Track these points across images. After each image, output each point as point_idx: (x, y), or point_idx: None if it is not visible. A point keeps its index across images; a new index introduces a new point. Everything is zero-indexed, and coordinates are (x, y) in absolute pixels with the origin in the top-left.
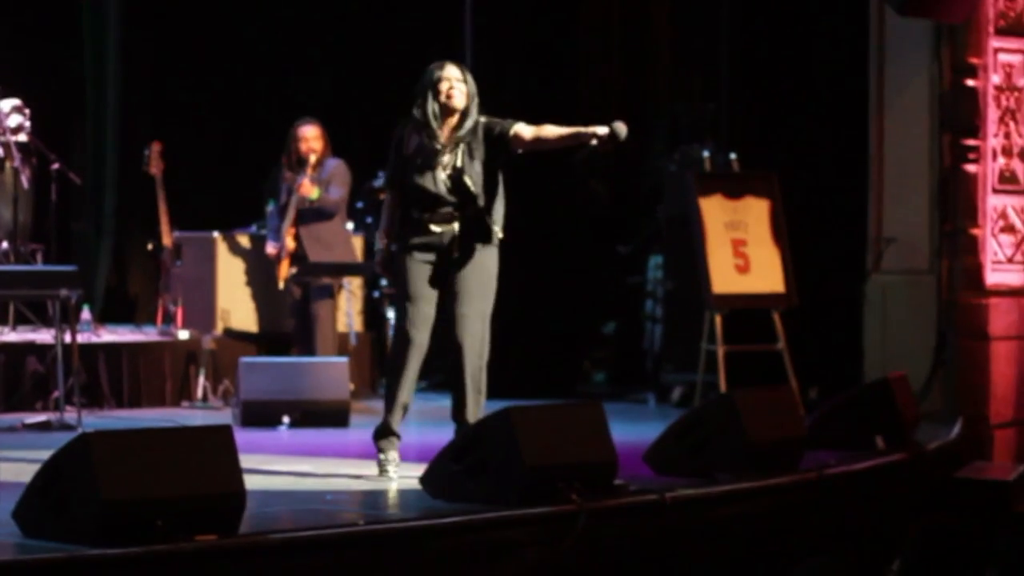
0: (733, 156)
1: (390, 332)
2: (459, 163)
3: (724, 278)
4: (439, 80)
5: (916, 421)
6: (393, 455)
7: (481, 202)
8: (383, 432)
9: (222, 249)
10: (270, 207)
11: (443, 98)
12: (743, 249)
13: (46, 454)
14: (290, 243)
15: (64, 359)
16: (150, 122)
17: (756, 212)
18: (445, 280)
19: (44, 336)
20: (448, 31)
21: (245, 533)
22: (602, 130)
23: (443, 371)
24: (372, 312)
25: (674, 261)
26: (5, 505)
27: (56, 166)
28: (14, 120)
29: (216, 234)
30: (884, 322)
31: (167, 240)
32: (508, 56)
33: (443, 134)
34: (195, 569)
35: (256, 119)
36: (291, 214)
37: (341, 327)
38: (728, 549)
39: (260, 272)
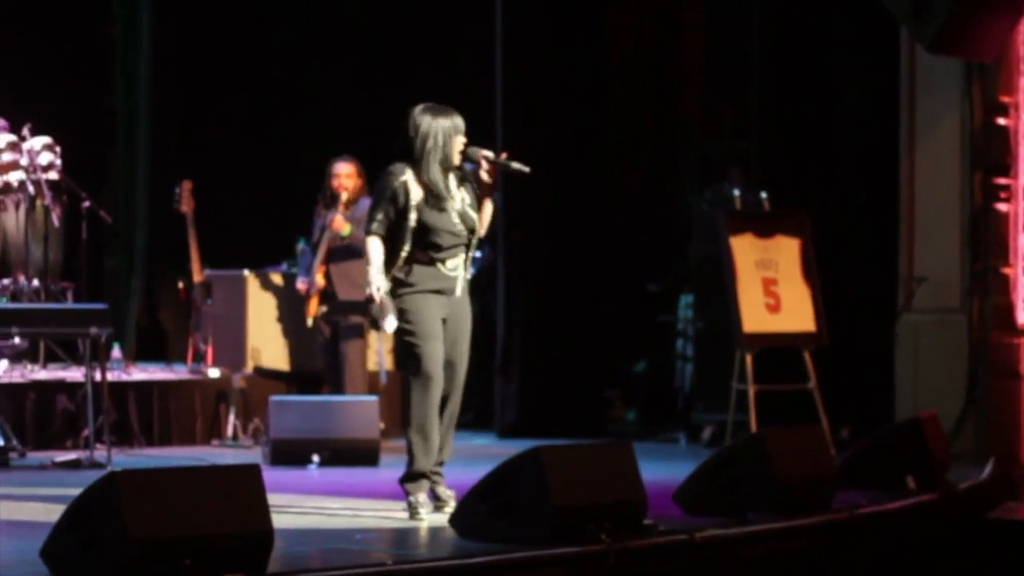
0: (764, 195)
1: None
2: (465, 207)
3: (755, 317)
4: (459, 131)
5: (947, 461)
6: (424, 497)
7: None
8: (418, 476)
9: (253, 287)
10: (300, 245)
11: (454, 152)
12: (774, 288)
13: (76, 492)
14: (320, 280)
15: (94, 397)
16: (181, 160)
17: (787, 251)
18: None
19: (74, 374)
20: (478, 69)
21: (273, 573)
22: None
23: (472, 410)
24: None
25: (705, 300)
26: (33, 543)
27: (87, 204)
28: (45, 158)
29: (247, 272)
30: (915, 361)
31: (198, 278)
32: (537, 92)
33: (447, 180)
34: None
35: (288, 158)
36: (322, 251)
37: (371, 365)
38: None
39: (291, 310)
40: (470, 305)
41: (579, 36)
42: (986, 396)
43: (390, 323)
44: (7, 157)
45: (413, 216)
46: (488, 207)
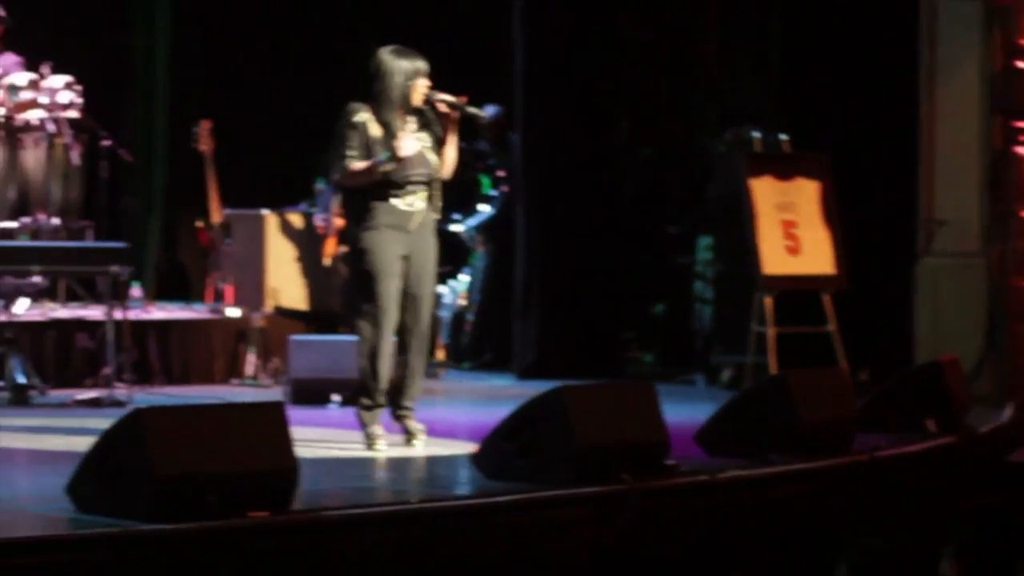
0: (783, 137)
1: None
2: (423, 149)
3: (774, 259)
4: (420, 73)
5: (967, 404)
6: (380, 428)
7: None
8: (371, 407)
9: (272, 227)
10: (319, 184)
11: (415, 94)
12: (793, 230)
13: (97, 430)
14: (338, 221)
15: (114, 336)
16: (200, 99)
17: (807, 193)
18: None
19: (94, 313)
20: (494, 16)
21: (297, 510)
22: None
23: (491, 351)
24: None
25: (724, 242)
26: (57, 481)
27: (106, 142)
28: (65, 96)
29: (266, 212)
30: (935, 305)
31: (216, 218)
32: (556, 37)
33: (405, 119)
34: (248, 545)
35: (307, 97)
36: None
37: None
38: (779, 530)
39: (310, 250)
40: (435, 242)
41: None
42: (1005, 340)
43: (406, 146)
44: (27, 95)
45: (370, 154)
46: (450, 150)
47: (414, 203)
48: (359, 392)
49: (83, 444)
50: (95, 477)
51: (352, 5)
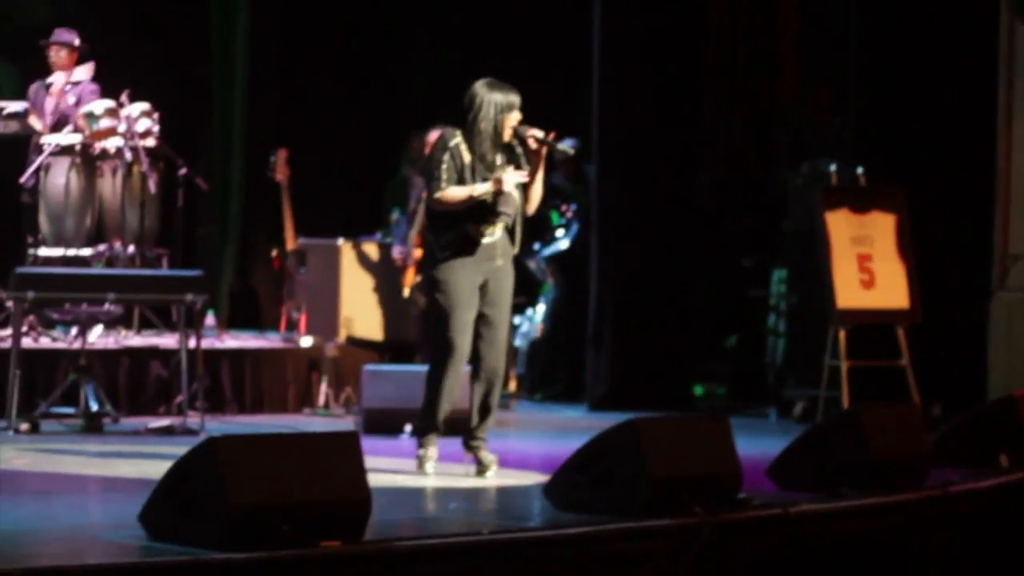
0: (860, 170)
1: (513, 341)
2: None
3: (849, 293)
4: (513, 107)
5: None
6: (434, 452)
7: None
8: (427, 430)
9: (347, 256)
10: (394, 215)
11: (506, 127)
12: (868, 264)
13: (170, 458)
14: (417, 252)
15: (188, 364)
16: (277, 128)
17: (882, 227)
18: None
19: (168, 341)
20: (573, 35)
21: (370, 540)
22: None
23: (562, 382)
24: None
25: (798, 275)
26: (129, 508)
27: (183, 171)
28: (143, 125)
29: (341, 241)
30: (1009, 339)
31: (291, 246)
32: (633, 68)
33: (496, 152)
34: (320, 575)
35: (383, 128)
36: (419, 221)
37: None
38: (852, 565)
39: (384, 280)
40: (512, 272)
41: (676, 7)
42: None
43: (510, 180)
44: (105, 123)
45: (460, 179)
46: (537, 187)
47: (494, 235)
48: (420, 415)
49: (155, 471)
50: (168, 505)
51: (429, 36)
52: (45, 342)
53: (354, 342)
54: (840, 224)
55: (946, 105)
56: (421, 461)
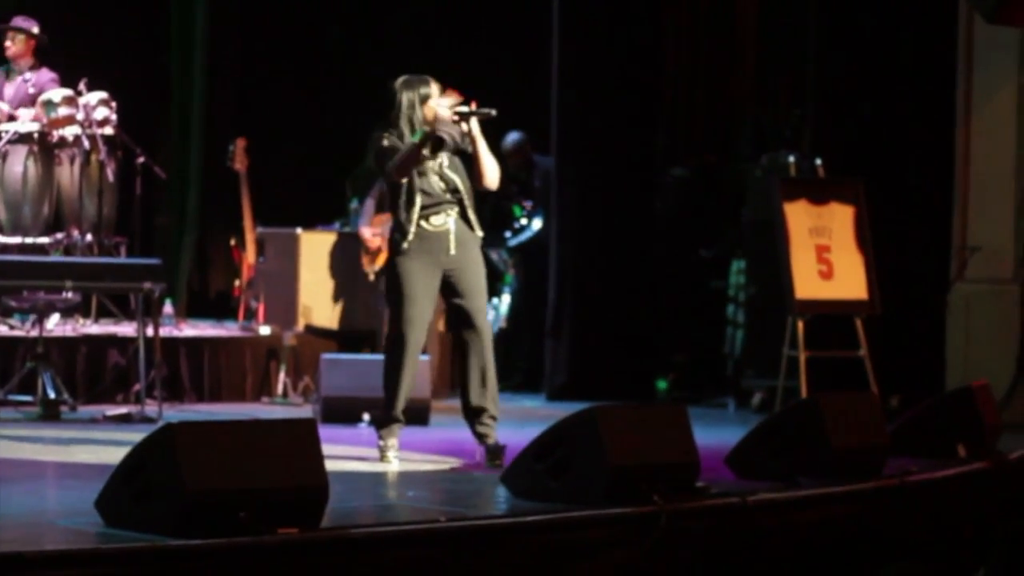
0: (818, 162)
1: None
2: (443, 169)
3: (807, 284)
4: (427, 97)
5: (998, 430)
6: (395, 442)
7: (467, 198)
8: (389, 420)
9: (305, 245)
10: (354, 204)
11: (426, 115)
12: (827, 255)
13: (127, 445)
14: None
15: (146, 352)
16: (235, 117)
17: (840, 218)
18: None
19: (126, 329)
20: (532, 27)
21: (327, 527)
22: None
23: (522, 371)
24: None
25: (756, 266)
26: (86, 495)
27: (141, 160)
28: (100, 113)
29: (299, 230)
30: (967, 331)
31: (250, 235)
32: (592, 63)
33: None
34: (277, 562)
35: (342, 116)
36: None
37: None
38: (809, 554)
39: (342, 269)
40: (479, 257)
41: (634, 3)
42: None
43: (437, 105)
44: (63, 111)
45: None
46: (484, 158)
47: (445, 222)
48: (381, 407)
49: (112, 459)
50: (124, 491)
51: (387, 27)
52: (2, 330)
53: (312, 331)
54: (799, 215)
55: (904, 97)
56: (383, 451)
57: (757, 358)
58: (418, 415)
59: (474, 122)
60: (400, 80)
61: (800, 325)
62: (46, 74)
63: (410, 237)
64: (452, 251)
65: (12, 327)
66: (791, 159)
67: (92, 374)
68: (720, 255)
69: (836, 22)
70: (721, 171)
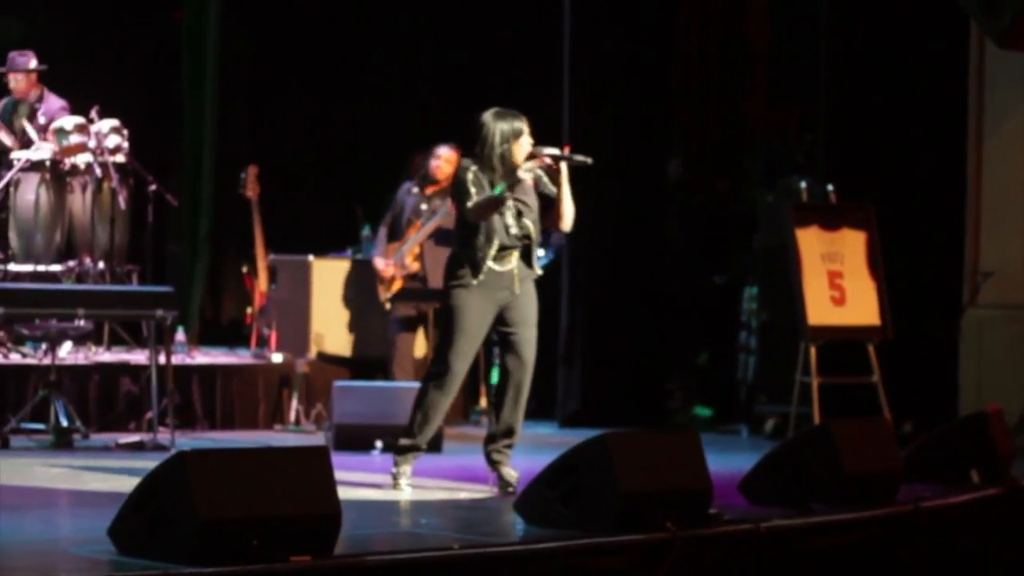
0: (830, 188)
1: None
2: (523, 217)
3: (819, 310)
4: (520, 134)
5: (1012, 456)
6: (408, 469)
7: (534, 243)
8: (409, 448)
9: (317, 273)
10: (366, 231)
11: (516, 154)
12: (839, 281)
13: (140, 473)
14: (412, 263)
15: (158, 380)
16: (247, 145)
17: (852, 244)
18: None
19: (138, 357)
20: (544, 63)
21: (340, 555)
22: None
23: (535, 398)
24: None
25: (769, 292)
26: (99, 523)
27: (153, 187)
28: (112, 141)
29: (311, 257)
30: (980, 356)
31: (262, 263)
32: (604, 88)
33: (509, 179)
34: None
35: (353, 144)
36: (426, 231)
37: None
38: None
39: (355, 296)
40: (534, 293)
41: (645, 30)
42: None
43: (525, 167)
44: (75, 139)
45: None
46: (567, 202)
47: (511, 263)
48: (403, 432)
49: (125, 487)
50: (137, 519)
51: (399, 54)
52: (15, 358)
53: (324, 358)
54: (811, 241)
55: (916, 122)
56: (396, 478)
57: (770, 384)
58: (431, 442)
59: (564, 167)
60: (491, 112)
61: (813, 351)
62: (55, 102)
63: (481, 277)
64: (516, 290)
65: (24, 355)
66: (803, 184)
67: (104, 402)
68: (732, 281)
69: (847, 47)
70: (733, 197)
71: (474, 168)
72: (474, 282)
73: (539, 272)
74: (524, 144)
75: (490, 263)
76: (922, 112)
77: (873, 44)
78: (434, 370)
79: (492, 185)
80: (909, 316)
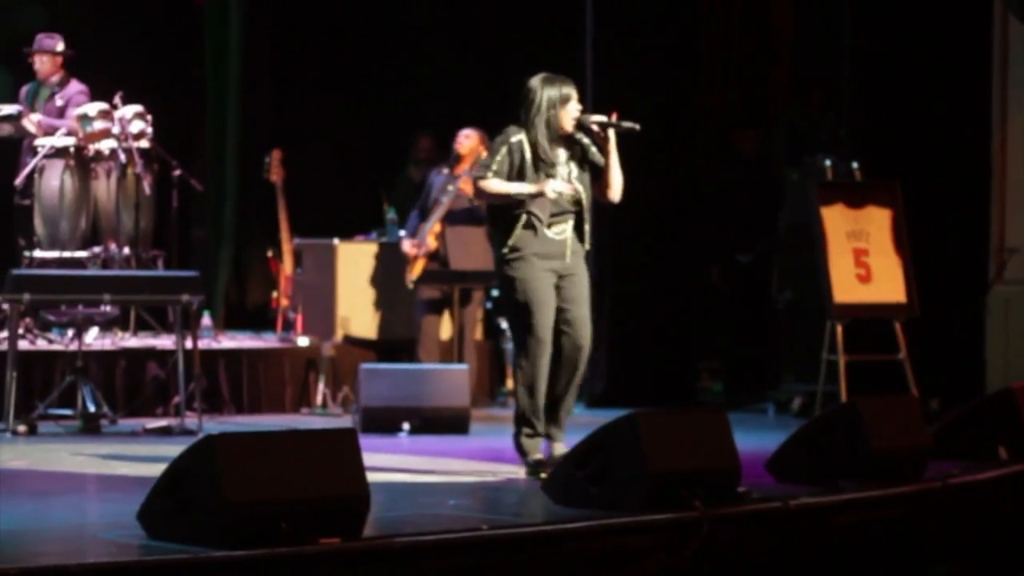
0: (855, 165)
1: (505, 343)
2: (572, 179)
3: (845, 287)
4: (568, 100)
5: None
6: (542, 456)
7: (586, 211)
8: (533, 436)
9: (342, 256)
10: (390, 214)
11: (564, 120)
12: (865, 259)
13: (168, 459)
14: (432, 243)
15: (185, 365)
16: (271, 129)
17: (878, 221)
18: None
19: (165, 342)
20: (567, 36)
21: (369, 537)
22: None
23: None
24: (488, 321)
25: (794, 270)
26: (127, 507)
27: (177, 172)
28: (136, 126)
29: (336, 241)
30: (1006, 333)
31: (287, 247)
32: (628, 64)
33: (556, 146)
34: (318, 572)
35: (378, 127)
36: (442, 210)
37: (444, 335)
38: (851, 557)
39: (380, 279)
40: (585, 268)
41: (671, 8)
42: None
43: (552, 187)
44: (99, 125)
45: (519, 174)
46: (615, 172)
47: (563, 231)
48: (519, 422)
49: (153, 471)
50: (166, 503)
51: (423, 35)
52: (42, 344)
53: (351, 341)
54: (836, 219)
55: (941, 99)
56: (533, 468)
57: (796, 363)
58: (458, 424)
59: (612, 134)
60: (539, 77)
61: (839, 329)
62: (75, 86)
63: (530, 244)
64: (568, 259)
65: (51, 341)
66: (828, 162)
67: (131, 387)
68: (758, 260)
69: (871, 25)
70: (758, 175)
71: (519, 139)
72: (529, 251)
73: (588, 246)
74: (572, 110)
75: (544, 231)
76: (946, 89)
77: (896, 21)
78: (525, 353)
79: (543, 155)
80: (935, 293)
